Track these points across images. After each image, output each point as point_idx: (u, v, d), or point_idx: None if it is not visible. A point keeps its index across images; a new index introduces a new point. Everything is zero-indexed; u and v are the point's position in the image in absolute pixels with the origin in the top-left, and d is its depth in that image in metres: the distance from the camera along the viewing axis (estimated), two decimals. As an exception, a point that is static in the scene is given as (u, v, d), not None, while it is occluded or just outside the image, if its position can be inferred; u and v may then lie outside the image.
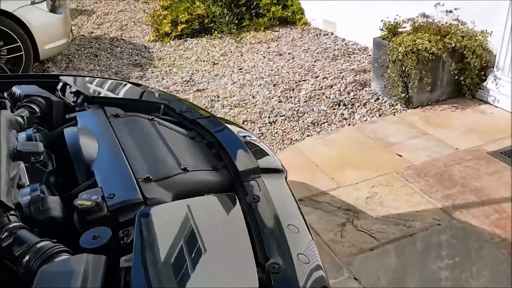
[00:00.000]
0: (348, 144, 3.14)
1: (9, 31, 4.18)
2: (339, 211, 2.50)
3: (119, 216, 1.16)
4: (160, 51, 5.24)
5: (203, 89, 4.22)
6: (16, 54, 4.28)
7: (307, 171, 2.87)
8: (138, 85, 2.37)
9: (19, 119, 1.64)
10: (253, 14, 5.72)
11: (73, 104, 1.90)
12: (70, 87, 1.99)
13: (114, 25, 6.08)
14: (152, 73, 4.67)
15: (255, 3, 5.71)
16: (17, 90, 1.88)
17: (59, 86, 2.00)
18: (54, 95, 1.99)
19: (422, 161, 2.85)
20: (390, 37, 3.39)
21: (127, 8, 6.77)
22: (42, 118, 1.77)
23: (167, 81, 4.43)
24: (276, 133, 3.42)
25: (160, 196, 1.27)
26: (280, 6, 5.68)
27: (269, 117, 3.63)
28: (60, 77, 2.06)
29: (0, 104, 1.82)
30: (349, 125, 3.44)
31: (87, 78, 2.26)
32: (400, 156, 2.93)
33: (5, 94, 1.92)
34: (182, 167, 1.41)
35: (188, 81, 4.40)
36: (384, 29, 3.40)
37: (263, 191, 1.43)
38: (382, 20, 3.49)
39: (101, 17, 6.42)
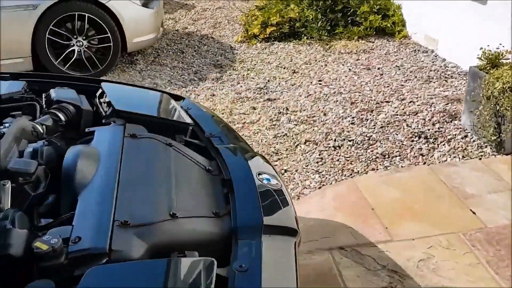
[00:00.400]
0: (415, 187, 2.71)
1: (101, 22, 4.34)
2: (383, 271, 2.13)
3: (77, 267, 1.02)
4: (244, 53, 5.11)
5: (274, 99, 4.00)
6: (105, 45, 4.45)
7: (359, 213, 2.52)
8: (179, 98, 2.23)
9: (39, 127, 1.57)
10: (349, 21, 5.33)
11: (104, 114, 1.82)
12: (105, 96, 1.90)
13: (208, 22, 6.11)
14: (229, 75, 4.56)
15: (352, 10, 5.32)
16: (52, 93, 1.85)
17: (98, 93, 1.94)
18: (91, 102, 1.92)
19: (499, 225, 2.33)
20: (488, 68, 2.85)
21: (226, 6, 6.77)
22: (69, 126, 1.72)
23: (241, 86, 4.29)
24: (338, 160, 3.08)
25: (129, 248, 1.09)
26: (380, 16, 5.21)
27: (335, 140, 3.30)
28: (102, 84, 2.00)
29: (30, 108, 1.79)
30: (424, 163, 2.98)
31: (128, 87, 2.17)
32: (474, 213, 2.44)
33: (43, 96, 1.90)
34: (171, 213, 1.22)
35: (261, 88, 4.21)
36: (482, 58, 2.87)
37: (255, 259, 1.19)
38: (481, 48, 2.95)
39: (198, 13, 6.50)
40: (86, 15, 4.27)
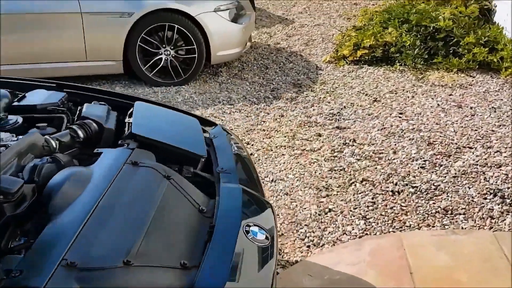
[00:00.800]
0: (470, 256, 2.33)
1: (189, 34, 4.50)
2: None
3: None
4: (328, 74, 4.93)
5: (344, 128, 3.77)
6: (190, 56, 4.61)
7: (393, 275, 2.23)
8: (211, 124, 2.18)
9: (52, 142, 1.61)
10: (450, 51, 4.86)
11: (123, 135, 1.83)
12: (131, 116, 1.93)
13: (302, 39, 6.02)
14: (305, 97, 4.42)
15: (455, 39, 4.84)
16: (84, 108, 1.92)
17: (130, 112, 1.97)
18: (120, 119, 1.96)
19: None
20: None
21: (325, 23, 6.62)
22: (87, 144, 1.74)
23: (313, 110, 4.13)
24: (391, 208, 2.79)
25: None
26: (487, 49, 4.66)
27: (396, 184, 2.99)
28: (136, 102, 2.03)
29: (59, 121, 1.87)
30: (490, 228, 2.56)
31: (160, 108, 2.15)
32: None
33: (78, 109, 1.98)
34: (125, 260, 1.15)
35: (334, 114, 4.01)
36: None
37: None
38: None
39: (295, 29, 6.44)
40: (176, 26, 4.46)
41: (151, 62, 4.57)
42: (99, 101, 2.04)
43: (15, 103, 1.91)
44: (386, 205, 2.81)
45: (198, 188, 1.60)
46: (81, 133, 1.74)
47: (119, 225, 1.28)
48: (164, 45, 4.56)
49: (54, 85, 2.13)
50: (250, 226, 1.47)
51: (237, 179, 1.71)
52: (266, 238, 1.49)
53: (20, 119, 1.76)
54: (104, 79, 4.79)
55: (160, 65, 4.60)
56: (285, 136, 3.68)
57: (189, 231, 1.40)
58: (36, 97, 1.96)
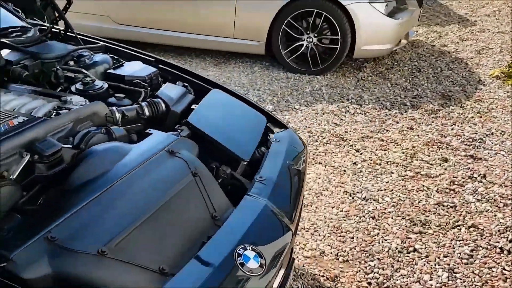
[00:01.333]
0: None
1: (335, 23, 4.28)
2: None
3: None
4: (490, 91, 4.16)
5: (478, 158, 3.15)
6: (331, 46, 4.40)
7: None
8: (282, 126, 2.01)
9: (117, 114, 1.65)
10: None
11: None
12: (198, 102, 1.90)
13: (476, 45, 5.20)
14: (449, 112, 3.82)
15: None
16: (163, 87, 1.94)
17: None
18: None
19: None
20: None
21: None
22: (151, 122, 1.76)
23: (451, 129, 3.55)
24: (490, 269, 2.24)
25: (32, 263, 1.06)
26: None
27: (510, 241, 2.40)
28: (213, 89, 2.00)
29: (138, 94, 1.88)
30: None
31: (234, 100, 2.05)
32: None
33: (159, 89, 1.99)
34: (100, 250, 1.12)
35: (475, 140, 3.38)
36: None
37: None
38: None
39: (472, 32, 5.60)
40: (324, 13, 4.28)
41: (292, 47, 4.50)
42: (186, 82, 2.04)
43: (110, 70, 1.99)
44: (485, 263, 2.28)
45: (229, 192, 1.51)
46: (147, 111, 1.74)
47: (117, 213, 1.24)
48: (308, 32, 4.43)
49: (153, 59, 2.18)
50: (246, 249, 1.31)
51: (269, 193, 1.54)
52: (261, 266, 1.32)
53: (105, 86, 1.82)
54: (247, 57, 4.91)
55: (300, 51, 4.49)
56: (403, 152, 3.26)
57: (187, 235, 1.31)
58: (129, 68, 2.01)
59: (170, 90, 1.91)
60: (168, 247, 1.24)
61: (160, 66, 2.14)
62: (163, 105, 1.79)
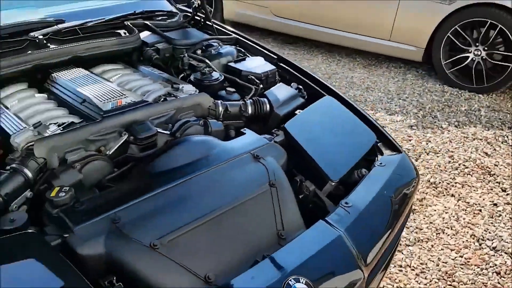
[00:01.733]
0: None
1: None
2: None
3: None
4: None
5: None
6: (503, 63, 3.82)
7: None
8: (397, 149, 1.79)
9: (220, 108, 1.67)
10: None
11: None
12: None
13: None
14: None
15: None
16: (274, 87, 1.89)
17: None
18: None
19: None
20: None
21: None
22: (253, 121, 1.76)
23: None
24: None
25: (89, 240, 1.12)
26: None
27: None
28: (326, 96, 1.91)
29: (248, 90, 1.88)
30: None
31: (345, 111, 1.88)
32: None
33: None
34: (153, 243, 1.13)
35: None
36: None
37: None
38: None
39: None
40: (499, 26, 3.72)
41: (455, 58, 4.03)
42: (302, 85, 1.98)
43: (231, 63, 2.02)
44: None
45: (309, 212, 1.41)
46: (250, 109, 1.72)
47: (180, 208, 1.24)
48: (477, 44, 3.91)
49: (276, 57, 2.15)
50: (299, 281, 1.21)
51: (349, 223, 1.37)
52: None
53: (221, 78, 1.85)
54: (402, 63, 4.58)
55: (464, 64, 4.00)
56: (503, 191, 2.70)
57: (243, 248, 1.25)
58: (249, 63, 2.02)
59: (280, 91, 1.84)
60: (220, 255, 1.20)
61: (280, 64, 2.09)
62: (268, 105, 1.75)
